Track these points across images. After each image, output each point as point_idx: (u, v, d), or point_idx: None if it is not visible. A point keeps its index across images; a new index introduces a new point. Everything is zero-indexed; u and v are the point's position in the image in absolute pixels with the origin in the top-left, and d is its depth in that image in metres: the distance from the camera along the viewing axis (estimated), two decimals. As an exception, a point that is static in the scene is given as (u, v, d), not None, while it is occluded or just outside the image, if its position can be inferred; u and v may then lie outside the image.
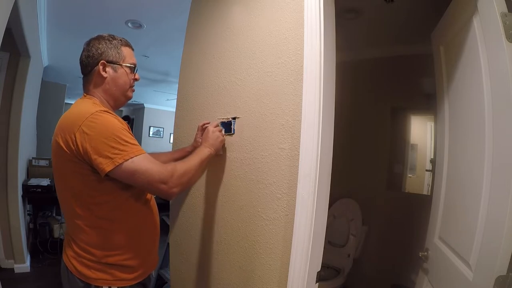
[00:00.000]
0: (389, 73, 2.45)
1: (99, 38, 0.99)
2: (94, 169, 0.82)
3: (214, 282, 1.23)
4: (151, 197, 1.06)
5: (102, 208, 0.88)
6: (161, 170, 0.85)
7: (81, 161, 0.82)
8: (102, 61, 0.95)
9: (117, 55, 0.98)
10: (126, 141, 0.83)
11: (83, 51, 0.98)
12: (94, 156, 0.80)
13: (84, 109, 0.85)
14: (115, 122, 0.85)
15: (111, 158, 0.80)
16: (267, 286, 1.01)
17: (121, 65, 0.98)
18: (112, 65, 0.97)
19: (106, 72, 0.96)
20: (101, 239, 0.88)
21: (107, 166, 0.80)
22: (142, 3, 2.31)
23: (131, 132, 0.91)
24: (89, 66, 0.96)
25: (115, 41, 0.99)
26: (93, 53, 0.96)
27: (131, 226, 0.93)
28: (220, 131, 1.18)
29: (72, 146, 0.81)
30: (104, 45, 0.97)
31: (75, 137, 0.81)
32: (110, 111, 0.90)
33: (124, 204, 0.92)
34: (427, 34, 1.36)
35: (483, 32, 0.86)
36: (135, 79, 1.04)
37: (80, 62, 0.98)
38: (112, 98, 1.00)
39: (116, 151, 0.80)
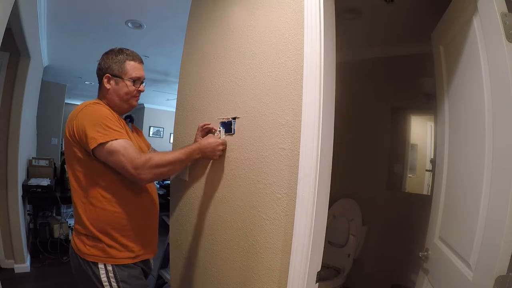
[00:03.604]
0: (389, 73, 2.45)
1: (109, 52, 1.13)
2: (87, 151, 0.97)
3: (214, 282, 1.23)
4: (149, 185, 1.15)
5: (95, 188, 1.01)
6: (134, 157, 0.95)
7: (77, 144, 0.98)
8: (106, 74, 1.10)
9: (120, 69, 1.10)
10: (109, 127, 0.97)
11: (98, 63, 1.13)
12: (83, 137, 0.95)
13: (84, 103, 1.04)
14: (105, 112, 1.01)
15: (95, 138, 0.94)
16: (267, 286, 1.01)
17: (122, 78, 1.11)
18: (115, 78, 1.10)
19: (109, 84, 1.11)
20: (94, 215, 1.01)
21: (91, 144, 0.94)
22: (142, 3, 2.31)
23: (122, 124, 1.05)
24: (99, 77, 1.13)
25: (121, 55, 1.12)
26: (102, 67, 1.11)
27: (121, 208, 1.03)
28: (223, 150, 1.22)
29: (71, 132, 0.99)
30: (111, 60, 1.11)
31: (72, 124, 0.98)
32: (102, 103, 1.08)
33: (115, 187, 1.02)
34: (427, 34, 1.36)
35: (483, 32, 0.86)
36: (139, 90, 1.15)
37: (96, 73, 1.14)
38: (115, 105, 1.12)
39: (100, 134, 0.95)
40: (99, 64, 1.12)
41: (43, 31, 2.95)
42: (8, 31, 1.64)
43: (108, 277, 0.98)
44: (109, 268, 0.99)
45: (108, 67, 1.10)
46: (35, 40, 2.71)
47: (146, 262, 1.14)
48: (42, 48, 3.38)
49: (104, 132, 0.95)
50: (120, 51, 1.12)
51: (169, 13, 2.45)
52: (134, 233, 1.06)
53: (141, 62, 1.16)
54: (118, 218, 1.02)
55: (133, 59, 1.13)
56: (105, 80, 1.10)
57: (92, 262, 0.99)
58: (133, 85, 1.12)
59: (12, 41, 2.22)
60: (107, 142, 0.94)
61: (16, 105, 2.59)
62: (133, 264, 1.05)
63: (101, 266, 0.99)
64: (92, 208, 1.00)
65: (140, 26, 2.75)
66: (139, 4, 2.33)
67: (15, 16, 1.76)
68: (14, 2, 1.46)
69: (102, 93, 1.12)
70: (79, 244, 1.02)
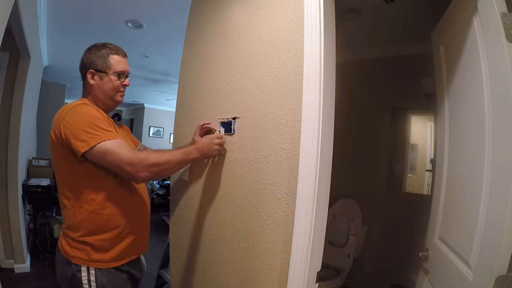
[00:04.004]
0: (389, 73, 2.45)
1: (91, 48, 1.10)
2: (75, 153, 0.94)
3: (214, 281, 1.23)
4: (139, 187, 1.12)
5: (84, 190, 0.98)
6: (130, 154, 0.94)
7: (64, 146, 0.95)
8: (90, 70, 1.07)
9: (103, 64, 1.08)
10: (101, 128, 0.95)
11: (80, 59, 1.10)
12: (72, 140, 0.92)
13: (69, 104, 1.00)
14: (94, 112, 0.98)
15: (86, 141, 0.92)
16: (267, 286, 1.01)
17: (107, 73, 1.08)
18: (99, 73, 1.08)
19: (94, 80, 1.08)
20: (82, 218, 0.98)
21: (82, 148, 0.91)
22: (142, 3, 2.31)
23: (111, 124, 1.04)
24: (82, 74, 1.10)
25: (104, 50, 1.09)
26: (85, 62, 1.09)
27: (111, 209, 1.01)
28: (221, 144, 1.20)
29: (57, 135, 0.95)
30: (94, 55, 1.08)
31: (60, 126, 0.94)
32: (90, 104, 1.04)
33: (104, 188, 1.00)
34: (427, 34, 1.36)
35: (483, 32, 0.86)
36: (124, 85, 1.13)
37: (79, 70, 1.11)
38: (101, 102, 1.10)
39: (91, 135, 0.92)
40: (82, 60, 1.09)
41: (43, 31, 2.95)
42: (8, 31, 1.64)
43: (89, 281, 0.96)
44: (92, 271, 0.97)
45: (91, 62, 1.07)
46: (35, 40, 2.71)
47: (135, 264, 1.11)
48: (42, 48, 3.38)
49: (95, 133, 0.93)
50: (103, 45, 1.10)
51: (169, 13, 2.45)
52: (124, 235, 1.03)
53: (125, 56, 1.13)
54: (108, 221, 1.00)
55: (116, 53, 1.10)
56: (89, 76, 1.07)
57: (74, 264, 0.97)
58: (118, 80, 1.10)
59: (12, 41, 2.22)
60: (100, 143, 0.92)
61: (16, 105, 2.59)
62: (119, 271, 1.02)
63: (83, 269, 0.97)
64: (81, 210, 0.98)
65: (140, 26, 2.75)
66: (139, 4, 2.33)
67: (15, 16, 1.76)
68: (14, 2, 1.46)
69: (87, 90, 1.09)
70: (65, 245, 0.99)
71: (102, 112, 1.04)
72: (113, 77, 1.09)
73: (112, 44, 1.12)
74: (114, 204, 1.01)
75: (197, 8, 1.51)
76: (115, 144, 0.94)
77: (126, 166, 0.93)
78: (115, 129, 1.04)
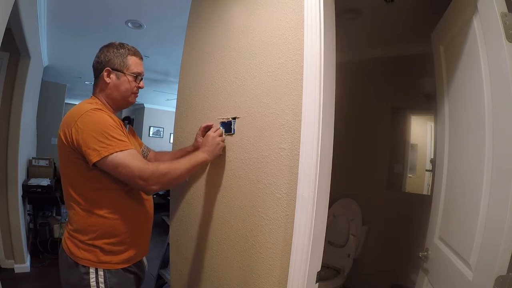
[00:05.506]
0: (389, 73, 2.45)
1: (109, 45, 1.09)
2: (85, 159, 0.92)
3: (214, 282, 1.23)
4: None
5: (92, 195, 0.97)
6: (142, 167, 0.92)
7: (75, 151, 0.93)
8: (107, 68, 1.05)
9: (121, 63, 1.06)
10: (114, 137, 0.92)
11: (95, 56, 1.08)
12: (84, 148, 0.90)
13: (82, 107, 0.96)
14: (107, 119, 0.95)
15: (98, 151, 0.89)
16: (267, 286, 1.01)
17: (124, 73, 1.07)
18: (116, 72, 1.06)
19: (110, 78, 1.06)
20: (91, 222, 0.97)
21: (94, 157, 0.89)
22: (142, 3, 2.31)
23: (123, 131, 1.01)
24: (97, 71, 1.07)
25: (122, 50, 1.08)
26: (101, 60, 1.06)
27: (119, 214, 1.00)
28: (221, 135, 1.20)
29: (68, 138, 0.93)
30: (112, 53, 1.06)
31: (71, 131, 0.92)
32: (104, 109, 1.00)
33: (113, 193, 0.99)
34: (427, 34, 1.36)
35: (483, 32, 0.86)
36: (139, 87, 1.12)
37: (92, 66, 1.09)
38: (114, 102, 1.09)
39: (103, 145, 0.90)
40: (98, 57, 1.07)
41: (43, 31, 2.95)
42: (8, 31, 1.64)
43: (97, 282, 0.95)
44: (100, 273, 0.96)
45: (108, 60, 1.05)
46: (35, 40, 2.71)
47: (139, 265, 1.11)
48: (42, 48, 3.38)
49: (107, 142, 0.90)
50: (121, 45, 1.09)
51: (169, 13, 2.45)
52: (132, 240, 1.03)
53: (141, 58, 1.13)
54: (117, 225, 0.99)
55: (134, 54, 1.10)
56: (105, 74, 1.04)
57: (82, 266, 0.95)
58: (135, 81, 1.09)
59: (12, 41, 2.22)
60: (112, 154, 0.90)
61: (16, 105, 2.59)
62: (127, 271, 1.02)
63: (92, 270, 0.95)
64: (91, 215, 0.96)
65: (140, 26, 2.75)
66: (139, 4, 2.33)
67: (15, 16, 1.76)
68: (14, 2, 1.46)
69: (100, 88, 1.07)
70: (72, 247, 0.97)
71: (115, 118, 1.01)
72: (130, 78, 1.08)
73: (129, 45, 1.11)
74: (124, 209, 1.01)
75: (197, 8, 1.51)
76: (126, 156, 0.92)
77: (137, 180, 0.92)
78: (126, 135, 1.02)
